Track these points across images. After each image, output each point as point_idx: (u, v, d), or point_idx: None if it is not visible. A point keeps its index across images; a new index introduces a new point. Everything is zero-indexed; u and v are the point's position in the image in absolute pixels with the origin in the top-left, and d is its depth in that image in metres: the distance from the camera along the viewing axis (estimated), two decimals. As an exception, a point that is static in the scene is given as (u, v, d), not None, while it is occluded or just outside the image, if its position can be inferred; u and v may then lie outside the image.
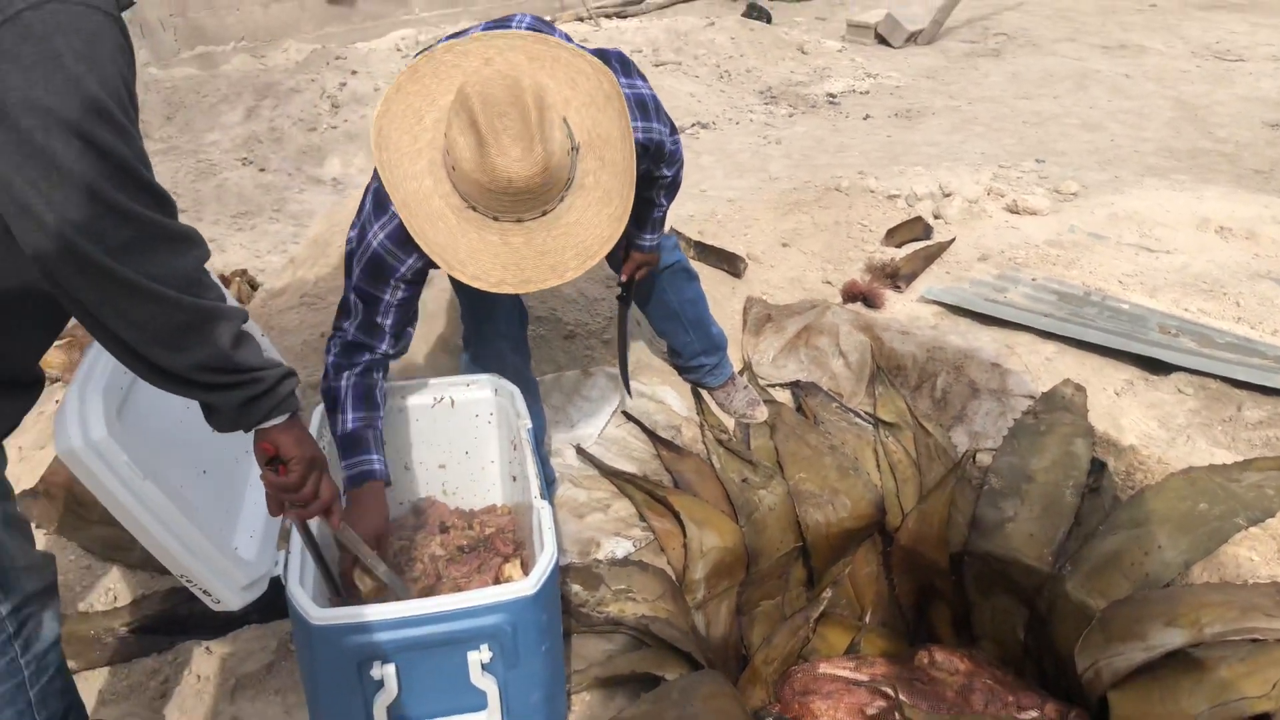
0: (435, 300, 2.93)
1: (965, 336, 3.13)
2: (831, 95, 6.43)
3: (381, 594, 1.79)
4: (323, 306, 2.90)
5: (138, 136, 1.18)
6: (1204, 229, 3.97)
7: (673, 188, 2.32)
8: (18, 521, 1.44)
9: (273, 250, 4.03)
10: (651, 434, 2.73)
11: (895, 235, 3.98)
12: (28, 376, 1.43)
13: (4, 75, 1.06)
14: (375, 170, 1.73)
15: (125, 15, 1.24)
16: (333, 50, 6.39)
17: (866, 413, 2.88)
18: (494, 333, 2.33)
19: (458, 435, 2.24)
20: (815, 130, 5.79)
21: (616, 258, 2.46)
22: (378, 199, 1.81)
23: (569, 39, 2.08)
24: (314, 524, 1.68)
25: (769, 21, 8.28)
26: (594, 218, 1.69)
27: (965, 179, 4.54)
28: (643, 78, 2.07)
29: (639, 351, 3.00)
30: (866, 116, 6.04)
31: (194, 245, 1.26)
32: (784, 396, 2.99)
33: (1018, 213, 4.26)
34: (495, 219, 1.65)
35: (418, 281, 1.90)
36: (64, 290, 1.17)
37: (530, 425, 2.07)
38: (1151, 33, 8.09)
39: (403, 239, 1.75)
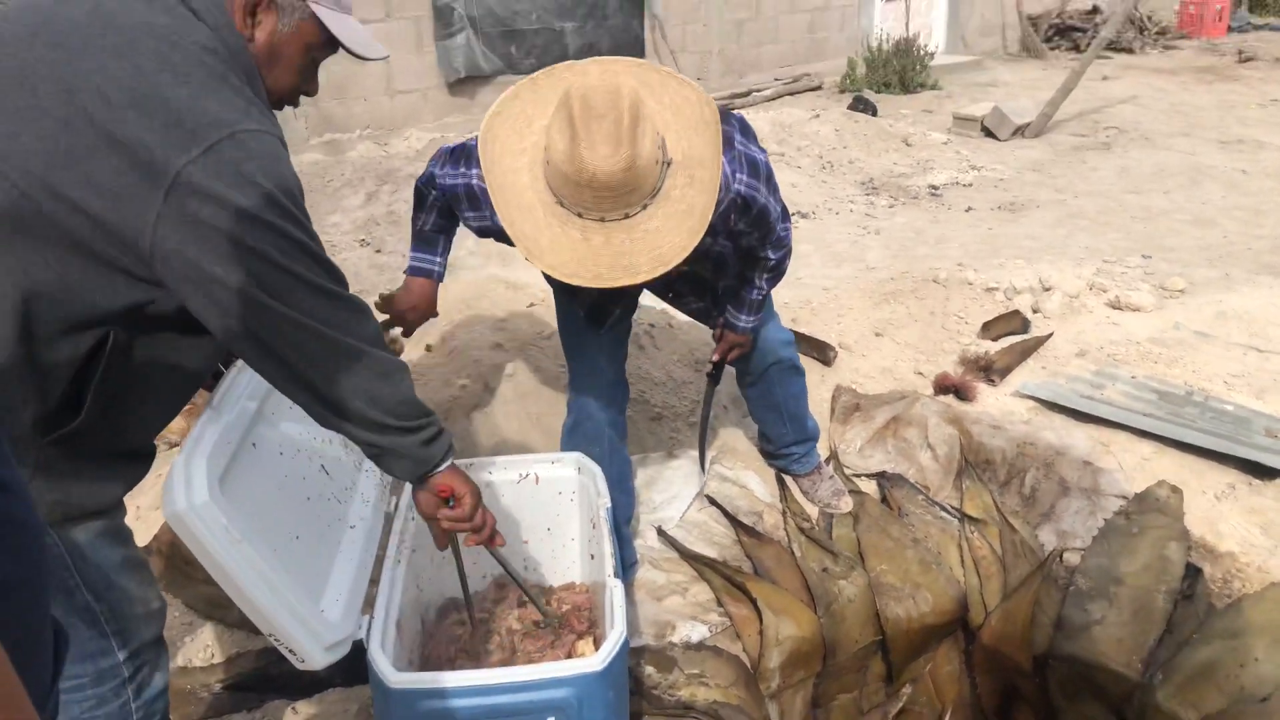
0: (528, 378, 3.04)
1: (1059, 433, 3.09)
2: (933, 187, 6.45)
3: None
4: (423, 383, 3.03)
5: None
6: (1319, 330, 3.84)
7: (776, 273, 2.38)
8: (138, 564, 1.57)
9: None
10: (733, 519, 2.75)
11: (991, 328, 3.96)
12: (145, 449, 1.58)
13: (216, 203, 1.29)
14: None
15: None
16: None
17: (953, 507, 2.85)
18: (596, 408, 2.42)
19: (540, 511, 2.31)
20: (915, 221, 5.81)
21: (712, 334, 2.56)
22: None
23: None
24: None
25: (874, 114, 8.37)
26: (674, 228, 1.77)
27: (1067, 273, 4.49)
28: (762, 149, 2.16)
29: (726, 435, 3.04)
30: (968, 209, 6.03)
31: (363, 309, 1.50)
32: (869, 487, 2.98)
33: (1120, 309, 4.19)
34: (579, 215, 1.76)
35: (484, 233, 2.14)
36: (289, 367, 1.43)
37: (609, 504, 2.13)
38: (1271, 129, 7.89)
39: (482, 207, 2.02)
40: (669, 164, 1.79)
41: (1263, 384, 3.41)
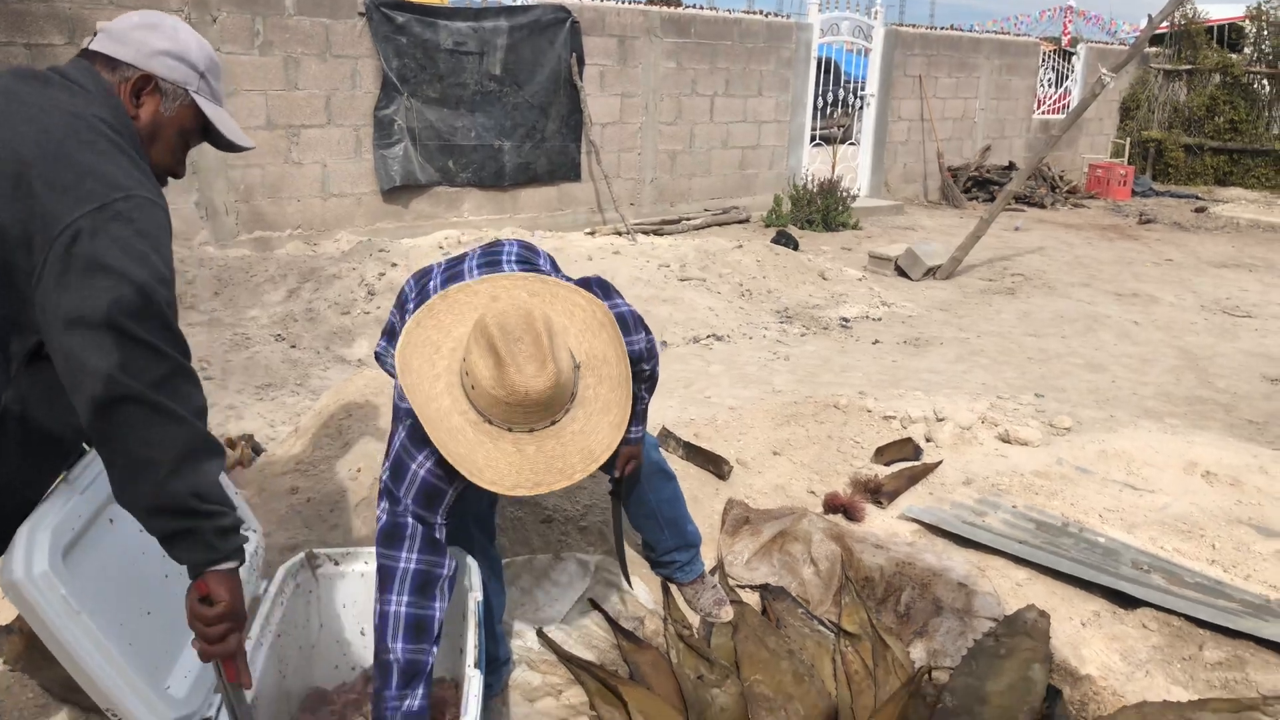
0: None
1: (939, 556, 3.17)
2: (845, 319, 6.69)
3: None
4: (313, 474, 3.03)
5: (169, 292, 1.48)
6: (1190, 472, 4.03)
7: (652, 381, 2.49)
8: None
9: (286, 420, 4.21)
10: (613, 623, 2.76)
11: (885, 454, 4.09)
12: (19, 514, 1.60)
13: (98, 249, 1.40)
14: (403, 410, 1.99)
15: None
16: (377, 243, 6.82)
17: (831, 621, 2.90)
18: (463, 510, 2.43)
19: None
20: (824, 350, 6.00)
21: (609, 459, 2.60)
22: (413, 435, 1.97)
23: (552, 259, 2.33)
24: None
25: (796, 248, 8.70)
26: (596, 425, 1.87)
27: (961, 406, 4.67)
28: (620, 297, 2.27)
29: (610, 541, 3.07)
30: (875, 341, 6.25)
31: (199, 384, 1.52)
32: (752, 599, 3.02)
33: (1009, 442, 4.36)
34: (509, 429, 1.83)
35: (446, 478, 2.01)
36: (99, 421, 1.42)
37: (480, 598, 2.14)
38: (1164, 285, 8.37)
39: (447, 466, 1.91)
40: (578, 367, 1.90)
41: (1134, 519, 3.56)
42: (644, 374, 2.41)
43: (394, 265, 6.23)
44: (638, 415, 2.52)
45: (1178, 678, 2.60)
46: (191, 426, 1.47)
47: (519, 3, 8.87)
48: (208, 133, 1.72)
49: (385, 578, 1.96)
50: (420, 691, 1.92)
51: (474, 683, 1.84)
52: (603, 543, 3.02)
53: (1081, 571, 3.07)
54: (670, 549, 2.85)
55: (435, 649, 1.96)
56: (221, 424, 4.09)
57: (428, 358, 1.89)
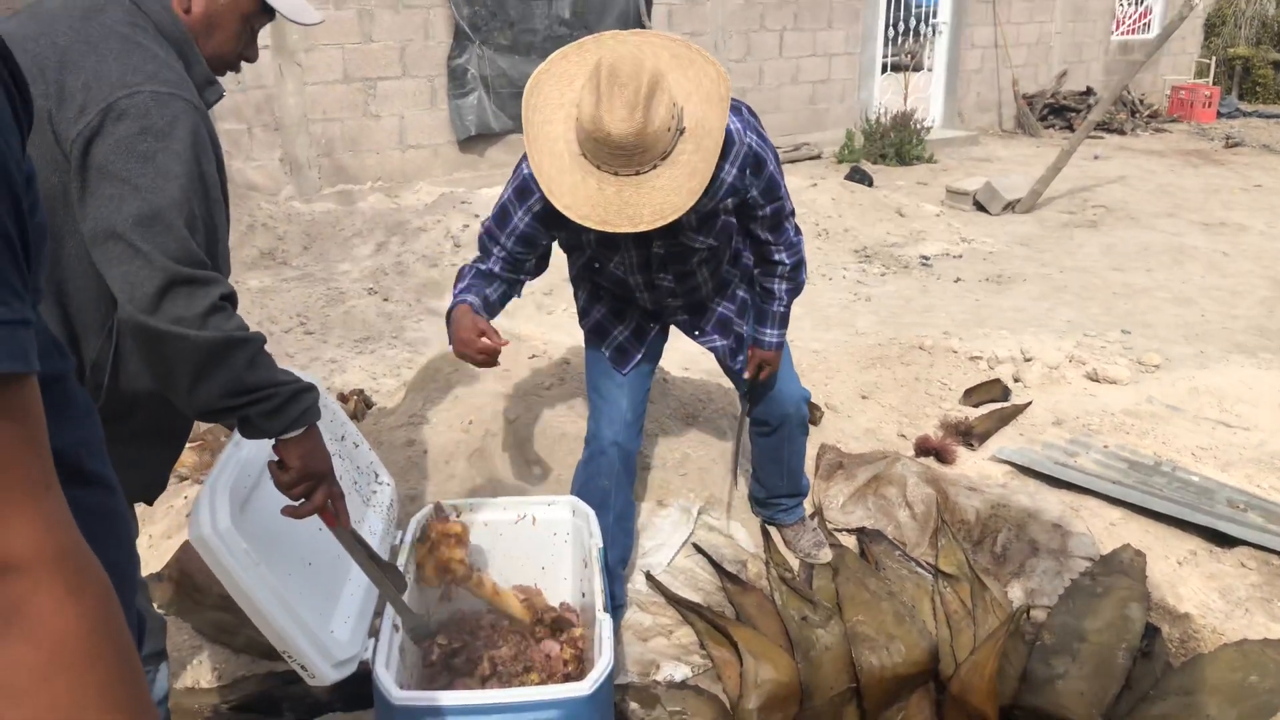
0: (526, 426, 3.19)
1: (1033, 497, 3.23)
2: (925, 257, 6.66)
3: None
4: (426, 426, 3.18)
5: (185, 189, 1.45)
6: (1286, 408, 4.01)
7: (794, 284, 2.57)
8: (144, 588, 1.72)
9: (387, 373, 4.37)
10: (718, 567, 2.89)
11: (973, 395, 4.13)
12: (159, 475, 1.74)
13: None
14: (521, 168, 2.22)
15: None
16: (459, 194, 6.94)
17: (928, 563, 2.99)
18: (612, 445, 2.57)
19: (536, 551, 2.45)
20: (905, 290, 6.00)
21: (731, 370, 2.74)
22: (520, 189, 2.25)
23: None
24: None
25: (870, 185, 8.63)
26: (677, 187, 2.00)
27: (1048, 345, 4.68)
28: (771, 146, 2.36)
29: (714, 486, 3.18)
30: (957, 279, 6.23)
31: (214, 284, 1.48)
32: (849, 542, 3.12)
33: (1098, 381, 4.37)
34: (598, 167, 1.99)
35: (544, 222, 2.23)
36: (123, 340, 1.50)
37: (601, 545, 2.27)
38: (1254, 212, 8.14)
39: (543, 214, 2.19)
40: (682, 131, 2.03)
41: (1229, 458, 3.57)
42: (783, 269, 2.51)
43: (477, 216, 6.35)
44: (774, 317, 2.60)
45: (1278, 615, 2.65)
46: (188, 340, 1.42)
47: (586, -56, 8.81)
48: (270, 12, 1.68)
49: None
50: (466, 287, 2.28)
51: (605, 626, 1.97)
52: (703, 489, 3.14)
53: (1176, 510, 3.11)
54: (781, 494, 2.97)
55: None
56: (327, 378, 4.27)
57: (559, 88, 2.06)
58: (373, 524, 2.30)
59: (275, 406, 1.56)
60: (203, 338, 1.43)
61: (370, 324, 5.07)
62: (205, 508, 1.69)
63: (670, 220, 2.01)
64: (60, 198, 1.44)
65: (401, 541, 2.28)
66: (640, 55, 1.95)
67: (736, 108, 2.26)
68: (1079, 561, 2.91)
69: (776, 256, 2.49)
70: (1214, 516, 3.08)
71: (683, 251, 2.37)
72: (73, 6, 1.50)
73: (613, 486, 2.55)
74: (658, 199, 1.99)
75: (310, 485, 1.69)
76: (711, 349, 2.68)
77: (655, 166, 1.99)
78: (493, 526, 2.44)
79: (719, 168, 2.18)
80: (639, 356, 2.62)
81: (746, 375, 2.68)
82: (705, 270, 2.49)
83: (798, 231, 2.50)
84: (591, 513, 2.38)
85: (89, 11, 1.49)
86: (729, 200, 2.28)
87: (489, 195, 6.92)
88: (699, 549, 2.94)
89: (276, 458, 1.67)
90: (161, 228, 1.40)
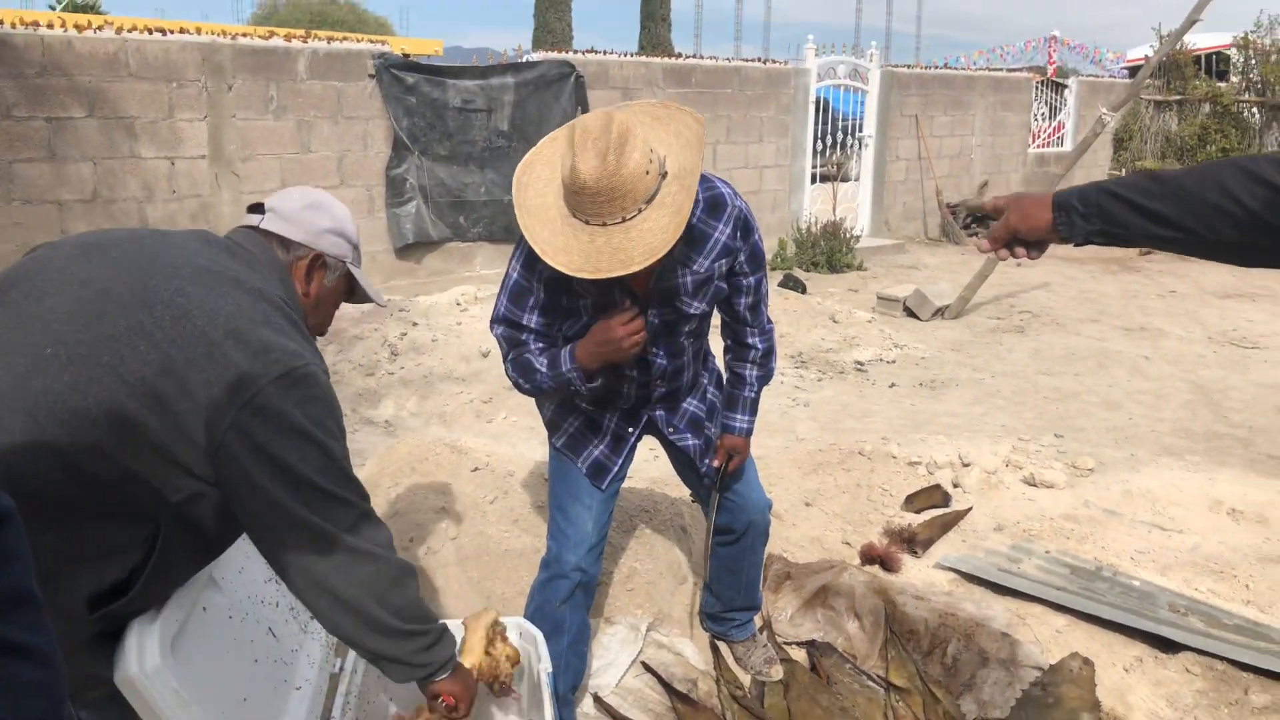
0: (470, 542, 3.12)
1: (979, 605, 3.23)
2: (860, 363, 6.77)
3: None
4: (366, 544, 3.09)
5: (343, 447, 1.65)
6: (1216, 511, 4.10)
7: (764, 370, 2.61)
8: None
9: (323, 486, 4.26)
10: (668, 686, 2.81)
11: (914, 501, 4.15)
12: None
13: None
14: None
15: None
16: (397, 302, 6.92)
17: (879, 675, 2.95)
18: (574, 568, 2.51)
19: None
20: (842, 395, 6.07)
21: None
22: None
23: None
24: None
25: (803, 291, 8.81)
26: (664, 226, 2.04)
27: (985, 450, 4.74)
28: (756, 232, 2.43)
29: (663, 602, 3.13)
30: (892, 385, 6.33)
31: (380, 521, 1.73)
32: (800, 655, 3.07)
33: (1035, 485, 4.43)
34: (586, 222, 2.04)
35: (554, 288, 2.30)
36: (299, 570, 1.62)
37: (550, 669, 2.20)
38: (1171, 318, 8.47)
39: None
40: (665, 175, 2.08)
41: (1166, 561, 3.62)
42: (755, 354, 2.56)
43: (415, 324, 6.32)
44: (744, 403, 2.62)
45: (1226, 723, 2.65)
46: (386, 560, 1.66)
47: (524, 59, 9.04)
48: (353, 293, 1.95)
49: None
50: (542, 363, 2.32)
51: (556, 757, 1.89)
52: (651, 604, 3.08)
53: (1121, 617, 3.12)
54: (736, 608, 2.93)
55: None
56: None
57: (550, 166, 2.14)
58: (311, 651, 2.20)
59: (430, 643, 1.78)
60: (393, 559, 1.68)
61: (305, 435, 4.97)
62: (133, 646, 1.60)
63: (661, 256, 2.04)
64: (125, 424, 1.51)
65: (341, 670, 2.18)
66: (612, 113, 2.04)
67: (725, 182, 2.37)
68: (1028, 671, 2.89)
69: (751, 339, 2.55)
70: (1157, 622, 3.10)
71: (677, 321, 2.37)
72: (241, 280, 1.65)
73: (569, 611, 2.49)
74: (647, 239, 2.04)
75: (462, 711, 1.91)
76: (684, 447, 2.62)
77: (641, 211, 2.04)
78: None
79: (714, 228, 2.28)
80: (617, 468, 2.57)
81: (716, 464, 2.66)
82: (690, 351, 2.50)
83: (769, 320, 2.57)
84: (540, 636, 2.31)
85: (258, 288, 1.66)
86: (722, 262, 2.33)
87: (427, 303, 6.91)
88: (648, 668, 2.87)
89: (444, 705, 1.88)
90: (344, 475, 1.63)
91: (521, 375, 2.35)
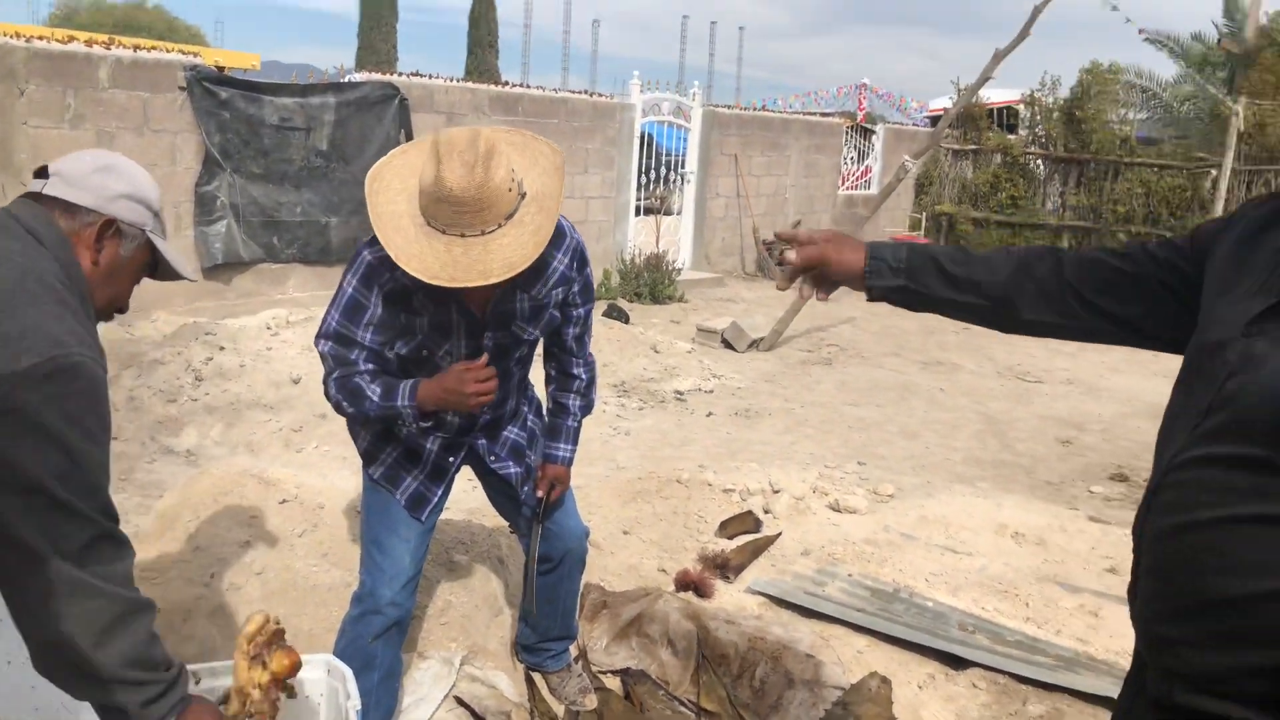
0: (277, 578, 3.00)
1: (786, 628, 3.35)
2: (679, 392, 6.92)
3: None
4: (163, 582, 2.92)
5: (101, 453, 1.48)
6: (1002, 534, 4.40)
7: (586, 401, 2.66)
8: None
9: (115, 520, 4.01)
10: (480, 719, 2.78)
11: (728, 527, 4.27)
12: None
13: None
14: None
15: None
16: (203, 325, 6.59)
17: (690, 700, 3.01)
18: (390, 604, 2.44)
19: (284, 716, 2.27)
20: (662, 424, 6.19)
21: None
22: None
23: None
24: None
25: (626, 321, 8.94)
26: (524, 243, 2.09)
27: (794, 477, 4.93)
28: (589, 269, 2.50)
29: (477, 635, 3.10)
30: (709, 414, 6.50)
31: (124, 545, 1.52)
32: (614, 684, 3.10)
33: (839, 510, 4.64)
34: (443, 232, 2.05)
35: (395, 303, 2.26)
36: (16, 592, 1.43)
37: (359, 706, 2.14)
38: (965, 353, 9.06)
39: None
40: (524, 196, 2.12)
41: (957, 582, 3.86)
42: (579, 383, 2.60)
43: (222, 349, 6.04)
44: (567, 432, 2.66)
45: (1007, 733, 2.84)
46: (113, 597, 1.46)
47: (347, 79, 8.85)
48: (155, 266, 1.77)
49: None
50: (375, 390, 2.26)
51: (362, 798, 1.84)
52: (465, 637, 3.04)
53: (915, 636, 3.31)
54: (552, 638, 2.92)
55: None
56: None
57: (401, 176, 2.15)
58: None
59: (153, 696, 1.54)
60: (122, 595, 1.48)
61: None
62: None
63: (519, 271, 2.07)
64: None
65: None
66: (477, 130, 2.08)
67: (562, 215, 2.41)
68: (831, 690, 3.02)
69: (576, 370, 2.60)
70: (948, 640, 3.30)
71: (510, 346, 2.39)
72: (6, 254, 1.51)
73: (381, 645, 2.43)
74: (506, 255, 2.07)
75: None
76: (506, 474, 2.60)
77: (500, 226, 2.07)
78: (235, 692, 2.24)
79: (554, 256, 2.31)
80: (436, 499, 2.52)
81: (540, 493, 2.66)
82: (515, 378, 2.51)
83: (591, 353, 2.63)
84: (348, 672, 2.24)
85: (24, 265, 1.51)
86: (558, 290, 2.38)
87: (235, 326, 6.62)
88: (461, 702, 2.83)
89: None
90: (88, 486, 1.44)
91: (347, 398, 2.28)
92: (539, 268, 2.29)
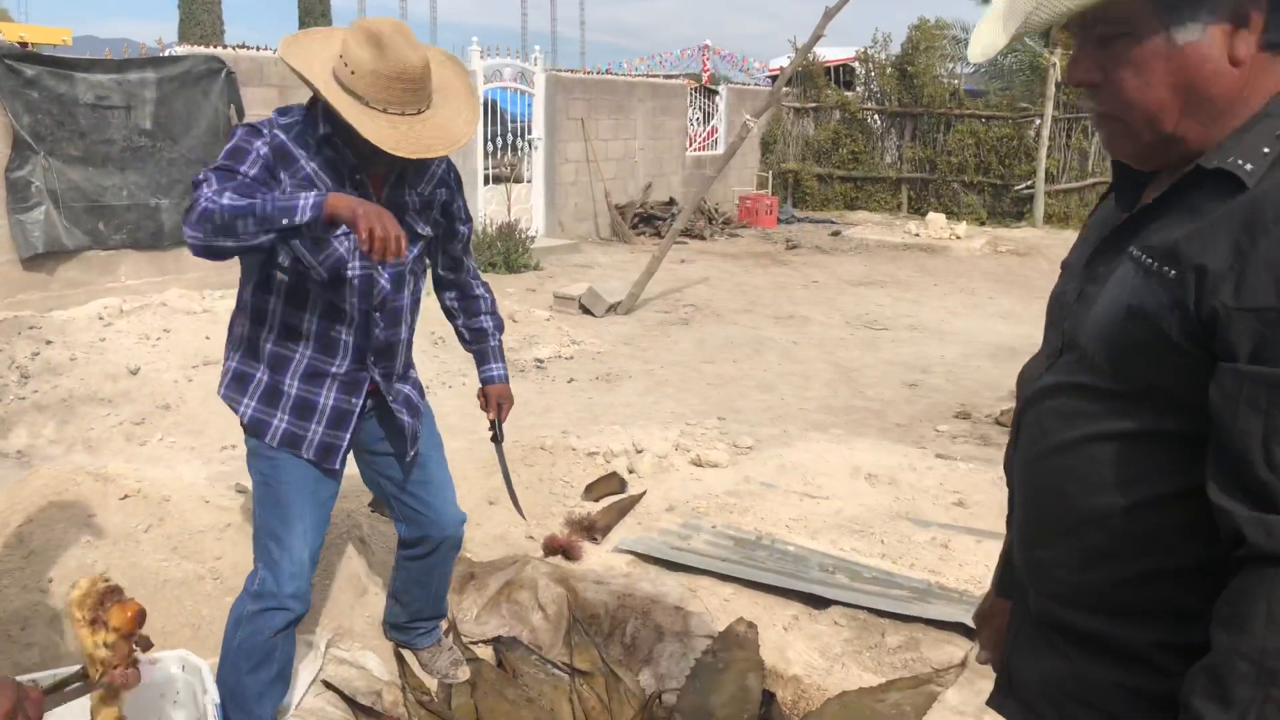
0: (122, 578, 2.86)
1: (654, 583, 3.40)
2: (539, 360, 6.90)
3: None
4: (-6, 591, 2.75)
5: None
6: (856, 476, 4.57)
7: (498, 319, 2.77)
8: None
9: (-62, 531, 3.74)
10: (351, 701, 2.73)
11: (594, 490, 4.30)
12: None
13: None
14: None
15: None
16: (25, 319, 6.17)
17: (563, 663, 3.03)
18: (292, 595, 2.34)
19: (143, 713, 2.18)
20: (523, 393, 6.14)
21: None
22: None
23: None
24: None
25: (481, 292, 8.85)
26: (454, 122, 2.22)
27: (656, 436, 4.99)
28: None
29: (341, 617, 3.03)
30: (570, 380, 6.51)
31: None
32: (486, 653, 3.09)
33: (701, 466, 4.72)
34: (384, 111, 2.11)
35: (274, 163, 2.20)
36: None
37: (217, 699, 2.07)
38: (814, 305, 9.33)
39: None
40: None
41: (816, 526, 3.99)
42: (486, 305, 2.71)
43: (49, 343, 5.69)
44: (494, 351, 2.75)
45: (868, 665, 2.97)
46: None
47: (167, 53, 8.39)
48: None
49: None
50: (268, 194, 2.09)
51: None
52: (330, 619, 2.98)
53: (778, 580, 3.41)
54: (421, 617, 2.88)
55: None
56: None
57: (313, 50, 2.19)
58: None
59: None
60: None
61: (-86, 475, 4.33)
62: None
63: (461, 145, 2.21)
64: None
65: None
66: (384, 18, 2.21)
67: None
68: (700, 640, 3.09)
69: (477, 290, 2.69)
70: (809, 582, 3.42)
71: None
72: None
73: (281, 640, 2.35)
74: (443, 132, 2.18)
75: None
76: (401, 423, 2.51)
77: (429, 105, 2.18)
78: (79, 709, 2.14)
79: (431, 161, 2.37)
80: (345, 444, 2.40)
81: (491, 415, 2.77)
82: (405, 326, 2.47)
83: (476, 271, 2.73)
84: (204, 666, 2.18)
85: None
86: (440, 192, 2.45)
87: (63, 318, 6.24)
88: (329, 685, 2.77)
89: None
90: None
91: (224, 207, 1.97)
92: (420, 167, 2.36)
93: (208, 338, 6.06)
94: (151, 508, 3.18)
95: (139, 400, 5.24)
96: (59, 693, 1.70)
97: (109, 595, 1.80)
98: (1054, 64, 14.91)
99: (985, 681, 2.93)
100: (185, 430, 4.93)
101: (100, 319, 6.28)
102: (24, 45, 7.53)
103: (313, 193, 2.01)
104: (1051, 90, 15.00)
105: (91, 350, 5.68)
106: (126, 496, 3.24)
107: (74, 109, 7.54)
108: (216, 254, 2.04)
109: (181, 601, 2.84)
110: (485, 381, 2.75)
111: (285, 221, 1.95)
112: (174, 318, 6.40)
